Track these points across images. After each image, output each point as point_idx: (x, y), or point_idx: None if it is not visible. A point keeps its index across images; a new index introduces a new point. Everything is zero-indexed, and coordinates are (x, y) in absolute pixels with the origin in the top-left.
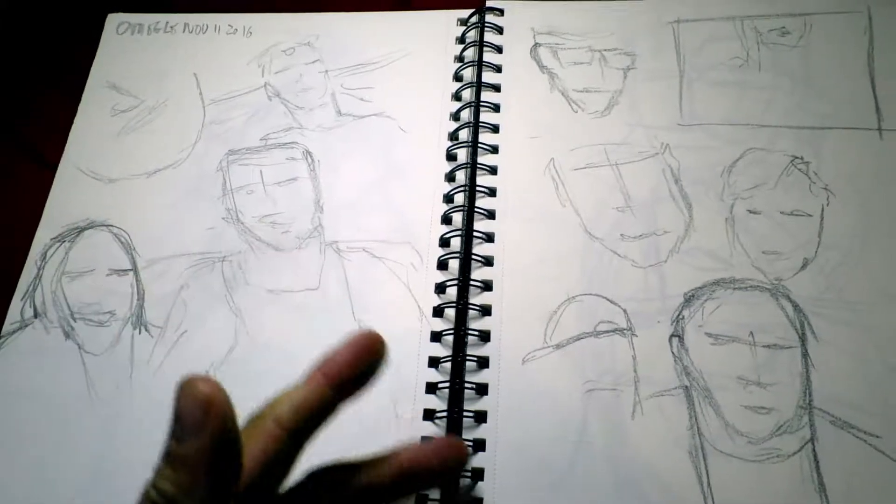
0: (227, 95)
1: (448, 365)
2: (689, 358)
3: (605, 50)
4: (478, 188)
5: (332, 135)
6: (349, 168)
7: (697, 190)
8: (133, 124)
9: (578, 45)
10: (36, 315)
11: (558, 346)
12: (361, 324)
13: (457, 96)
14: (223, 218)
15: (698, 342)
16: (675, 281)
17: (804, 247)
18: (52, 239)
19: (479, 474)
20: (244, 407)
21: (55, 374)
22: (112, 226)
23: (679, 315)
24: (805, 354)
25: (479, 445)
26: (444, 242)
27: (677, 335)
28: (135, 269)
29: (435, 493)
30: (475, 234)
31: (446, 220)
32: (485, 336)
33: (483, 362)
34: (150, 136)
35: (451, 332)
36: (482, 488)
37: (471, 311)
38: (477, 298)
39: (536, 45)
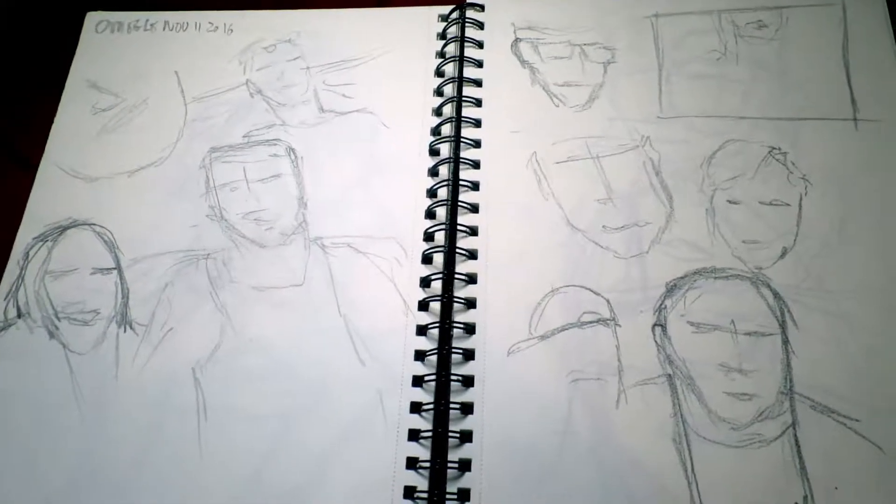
0: (209, 93)
1: (434, 358)
2: (671, 347)
3: (585, 44)
4: (461, 182)
5: (314, 131)
6: (332, 164)
7: (678, 181)
8: (114, 123)
9: (558, 40)
10: (19, 315)
11: (543, 338)
12: (347, 319)
13: (439, 92)
14: (207, 215)
15: (681, 331)
16: (657, 271)
17: (783, 236)
18: (34, 238)
19: (466, 465)
20: (230, 404)
21: (40, 373)
22: (95, 224)
23: (661, 305)
24: (785, 341)
25: (466, 437)
26: (429, 237)
27: (660, 324)
28: (119, 268)
29: (423, 485)
30: (459, 227)
31: (430, 214)
32: (470, 329)
33: (469, 354)
34: (131, 134)
35: (437, 325)
36: (469, 479)
37: (456, 304)
38: (462, 291)
39: (517, 40)
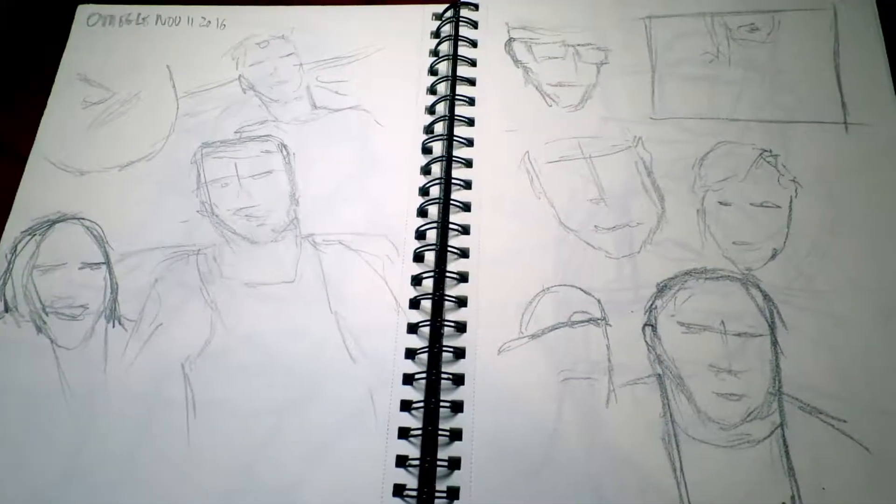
0: (201, 88)
1: (425, 356)
2: (661, 346)
3: (579, 45)
4: (453, 181)
5: (307, 128)
6: (324, 161)
7: (669, 182)
8: (105, 117)
9: (552, 40)
10: (7, 309)
11: (534, 337)
12: (338, 316)
13: (432, 90)
14: (198, 211)
15: (671, 331)
16: (647, 271)
17: (773, 237)
18: (22, 232)
19: (455, 463)
20: (221, 399)
21: (27, 368)
22: (84, 219)
23: (652, 305)
24: (774, 342)
25: (456, 435)
26: (420, 235)
27: (650, 324)
28: (108, 263)
29: (412, 483)
30: (451, 226)
31: (422, 212)
32: (461, 327)
33: (459, 353)
34: (122, 128)
35: (428, 323)
36: (459, 477)
37: (447, 303)
38: (453, 290)
39: (511, 39)
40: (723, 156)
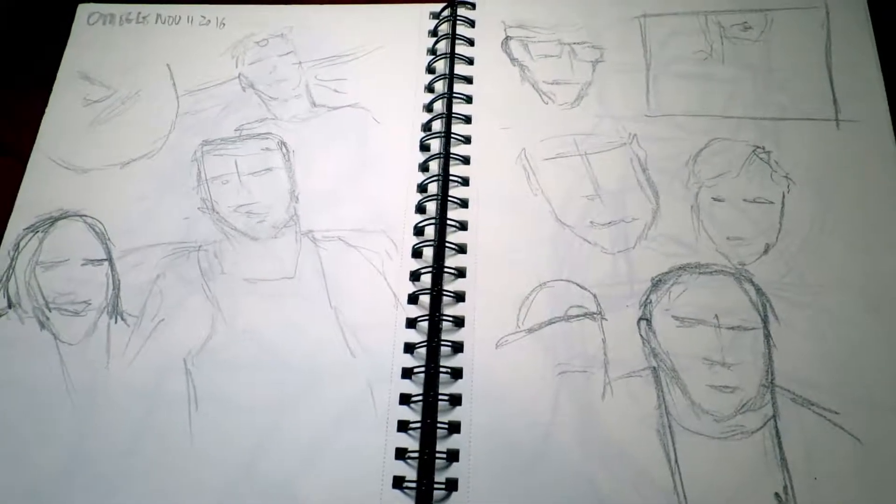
0: (201, 86)
1: (423, 350)
2: (656, 340)
3: (574, 43)
4: (451, 178)
5: (306, 126)
6: (324, 158)
7: (664, 178)
8: (105, 115)
9: (548, 39)
10: (10, 305)
11: (530, 331)
12: (337, 311)
13: (430, 88)
14: (198, 208)
15: (665, 325)
16: (642, 266)
17: (766, 233)
18: (24, 229)
19: (453, 455)
20: (222, 394)
21: (30, 364)
22: (86, 216)
23: (647, 299)
24: (767, 335)
25: (454, 427)
26: (419, 231)
27: (645, 318)
28: (110, 259)
29: (411, 475)
30: (449, 222)
31: (420, 209)
32: (459, 322)
33: (457, 347)
34: (123, 126)
35: (426, 318)
36: (457, 469)
37: (445, 298)
38: (451, 285)
39: (507, 38)
40: (716, 152)
